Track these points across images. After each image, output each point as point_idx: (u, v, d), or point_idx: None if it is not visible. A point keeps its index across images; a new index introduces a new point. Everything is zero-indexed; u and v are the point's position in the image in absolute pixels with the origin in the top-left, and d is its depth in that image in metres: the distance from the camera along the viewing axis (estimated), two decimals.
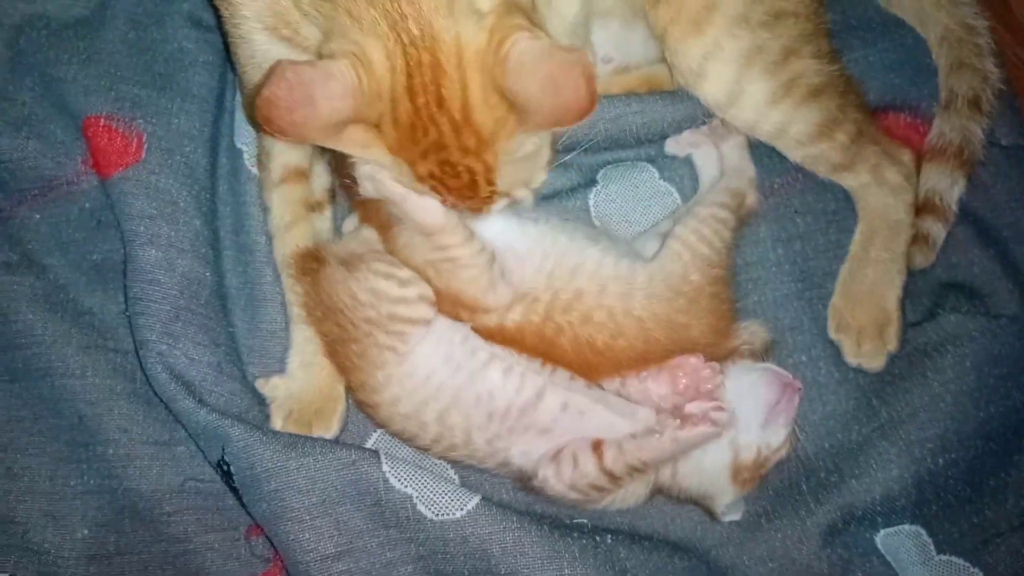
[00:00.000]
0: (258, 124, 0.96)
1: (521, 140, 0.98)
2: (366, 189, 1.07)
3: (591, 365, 1.14)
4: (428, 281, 1.14)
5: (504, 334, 1.14)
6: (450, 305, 1.14)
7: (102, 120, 1.30)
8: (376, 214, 1.18)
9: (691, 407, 1.11)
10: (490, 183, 1.00)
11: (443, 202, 1.03)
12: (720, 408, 1.11)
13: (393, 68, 0.92)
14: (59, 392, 1.25)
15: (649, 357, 1.14)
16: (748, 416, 1.15)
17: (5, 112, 1.34)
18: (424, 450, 1.18)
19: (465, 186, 1.00)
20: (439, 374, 1.12)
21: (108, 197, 1.30)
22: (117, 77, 1.34)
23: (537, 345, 1.14)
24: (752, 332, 1.21)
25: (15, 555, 1.19)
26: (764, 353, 1.21)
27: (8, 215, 1.33)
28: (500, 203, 1.04)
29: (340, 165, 1.24)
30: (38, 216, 1.33)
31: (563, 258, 1.16)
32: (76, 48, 1.37)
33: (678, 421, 1.11)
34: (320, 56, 0.98)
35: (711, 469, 1.15)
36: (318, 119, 0.92)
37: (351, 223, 1.29)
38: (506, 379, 1.12)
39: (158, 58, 1.37)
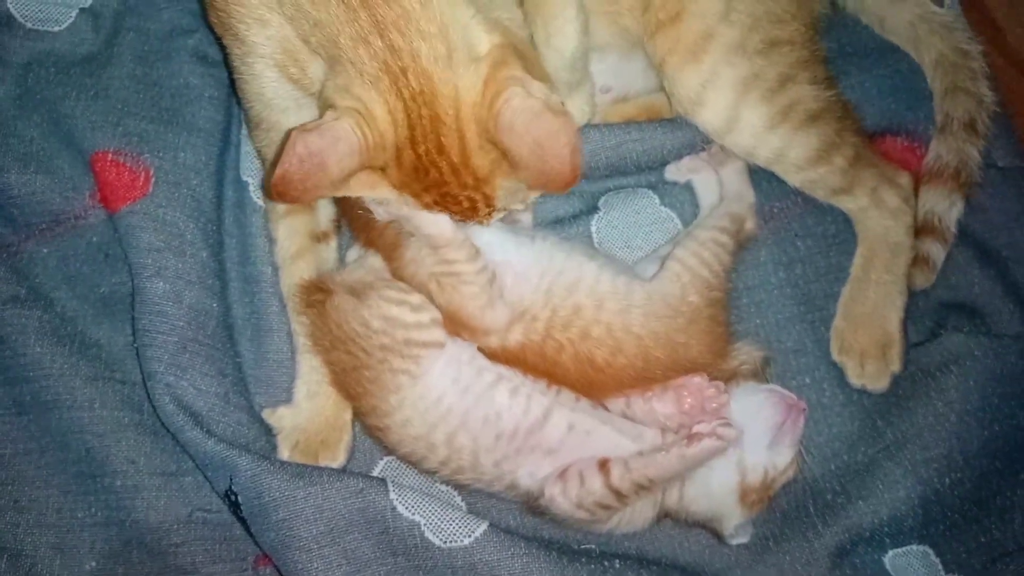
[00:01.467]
0: (272, 195, 1.01)
1: (507, 191, 1.04)
2: (379, 213, 1.11)
3: (593, 383, 1.15)
4: (431, 298, 1.16)
5: (507, 354, 1.16)
6: (451, 326, 1.16)
7: (110, 155, 1.32)
8: (380, 239, 1.20)
9: (699, 427, 1.12)
10: (489, 206, 1.05)
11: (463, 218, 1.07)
12: (727, 424, 1.11)
13: (395, 122, 0.97)
14: (67, 424, 1.25)
15: (650, 376, 1.15)
16: (754, 437, 1.15)
17: (14, 148, 1.36)
18: (431, 473, 1.18)
19: (466, 210, 1.04)
20: (449, 396, 1.13)
21: (116, 231, 1.31)
22: (124, 112, 1.36)
23: (539, 364, 1.15)
24: (747, 353, 1.22)
25: None
26: (763, 372, 1.22)
27: (16, 249, 1.34)
28: (500, 215, 1.09)
29: (344, 199, 1.26)
30: (46, 250, 1.34)
31: (560, 275, 1.17)
32: (84, 84, 1.39)
33: (685, 440, 1.11)
34: (321, 98, 1.02)
35: (719, 491, 1.16)
36: (329, 179, 0.98)
37: (355, 252, 1.30)
38: (513, 400, 1.13)
39: (165, 93, 1.39)
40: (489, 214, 1.06)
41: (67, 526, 1.23)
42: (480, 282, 1.14)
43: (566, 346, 1.14)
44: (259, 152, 1.30)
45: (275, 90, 1.12)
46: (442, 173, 1.00)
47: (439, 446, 1.14)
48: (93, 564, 1.22)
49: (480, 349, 1.16)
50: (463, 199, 1.03)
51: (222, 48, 1.18)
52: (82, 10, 1.45)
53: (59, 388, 1.26)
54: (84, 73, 1.40)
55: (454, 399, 1.13)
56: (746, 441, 1.14)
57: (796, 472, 1.18)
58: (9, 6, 1.41)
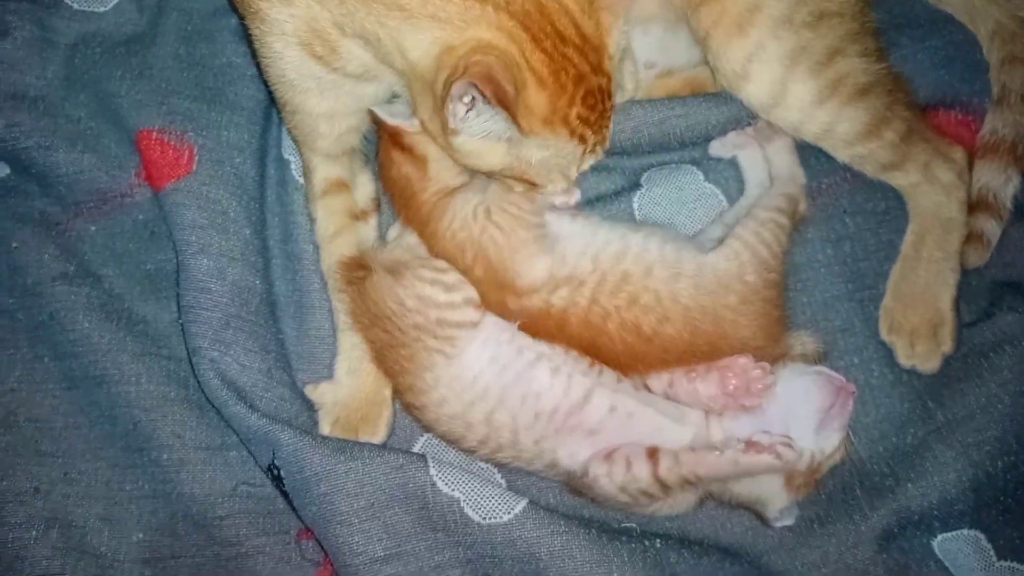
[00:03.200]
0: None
1: (615, 39, 1.06)
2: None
3: (637, 355, 1.14)
4: (471, 263, 1.15)
5: (550, 320, 1.14)
6: (495, 289, 1.15)
7: (154, 133, 1.33)
8: (418, 213, 1.20)
9: (760, 436, 1.10)
10: (610, 97, 1.07)
11: (585, 152, 1.08)
12: (788, 444, 1.09)
13: (511, 35, 0.98)
14: (114, 399, 1.27)
15: (696, 351, 1.13)
16: (801, 421, 1.13)
17: (62, 128, 1.38)
18: (470, 452, 1.18)
19: (601, 114, 1.06)
20: (486, 375, 1.13)
21: (160, 208, 1.33)
22: (168, 92, 1.37)
23: (583, 333, 1.14)
24: (803, 342, 1.20)
25: (74, 558, 1.21)
26: (816, 360, 1.19)
27: (65, 227, 1.36)
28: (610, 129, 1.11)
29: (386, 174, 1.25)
30: (94, 228, 1.37)
31: (607, 244, 1.17)
32: (129, 64, 1.41)
33: (742, 444, 1.10)
34: (363, 75, 1.05)
35: (764, 475, 1.13)
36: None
37: (395, 231, 1.31)
38: (554, 379, 1.13)
39: (208, 72, 1.40)
40: (609, 118, 1.08)
41: (115, 498, 1.25)
42: (534, 231, 1.15)
43: (612, 314, 1.13)
44: (290, 133, 1.31)
45: (297, 70, 1.12)
46: (575, 63, 1.01)
47: (477, 425, 1.14)
48: (140, 535, 1.24)
49: (522, 325, 1.15)
50: (597, 94, 1.04)
51: (245, 29, 1.18)
52: None
53: (107, 363, 1.28)
54: (129, 53, 1.42)
55: (492, 378, 1.13)
56: (792, 424, 1.12)
57: (844, 456, 1.15)
58: None
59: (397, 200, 1.25)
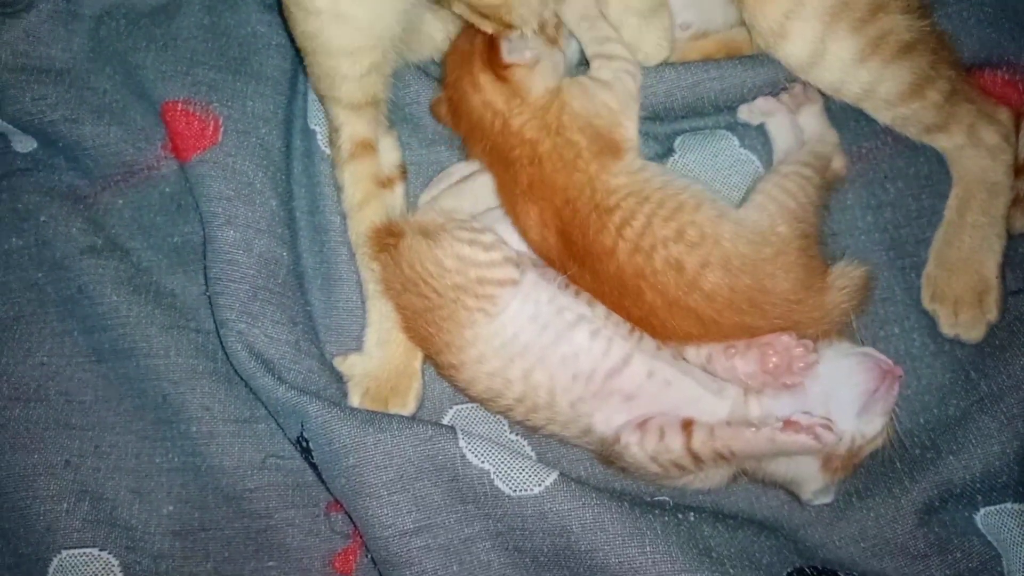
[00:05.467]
0: None
1: None
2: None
3: (677, 301, 1.11)
4: (584, 127, 1.17)
5: (602, 256, 1.13)
6: (596, 156, 1.16)
7: (180, 105, 1.32)
8: (505, 132, 1.20)
9: (800, 416, 1.07)
10: None
11: None
12: (828, 426, 1.06)
13: None
14: (143, 372, 1.27)
15: (735, 307, 1.10)
16: (843, 403, 1.10)
17: (88, 100, 1.38)
18: (506, 411, 1.17)
19: None
20: (526, 332, 1.12)
21: (187, 180, 1.32)
22: (193, 62, 1.36)
23: (631, 263, 1.11)
24: (846, 276, 1.15)
25: (104, 530, 1.22)
26: (863, 295, 1.15)
27: (93, 200, 1.36)
28: None
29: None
30: (121, 201, 1.36)
31: (672, 176, 1.19)
32: (153, 35, 1.40)
33: (780, 423, 1.07)
34: None
35: (800, 456, 1.11)
36: None
37: (427, 196, 1.30)
38: (593, 342, 1.12)
39: (232, 42, 1.39)
40: None
41: (145, 471, 1.25)
42: (636, 77, 1.22)
43: (658, 247, 1.10)
44: (314, 88, 1.30)
45: None
46: None
47: (515, 382, 1.13)
48: (171, 508, 1.24)
49: (573, 278, 1.16)
50: None
51: None
52: None
53: (136, 336, 1.28)
54: (153, 24, 1.41)
55: (532, 336, 1.12)
56: (834, 406, 1.09)
57: (886, 440, 1.12)
58: None
59: (474, 130, 1.24)
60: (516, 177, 1.19)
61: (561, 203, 1.16)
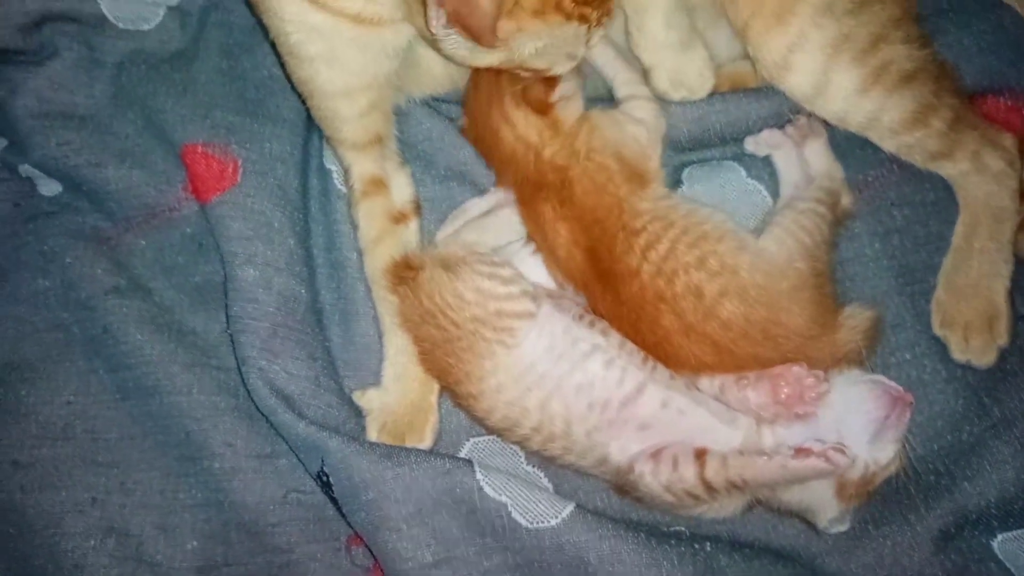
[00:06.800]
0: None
1: None
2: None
3: (694, 327, 1.12)
4: (616, 154, 1.20)
5: (626, 279, 1.15)
6: (626, 182, 1.19)
7: (199, 147, 1.35)
8: (540, 166, 1.23)
9: (812, 443, 1.08)
10: None
11: (591, 29, 1.08)
12: (841, 450, 1.07)
13: None
14: (167, 409, 1.29)
15: (750, 338, 1.12)
16: (855, 431, 1.10)
17: (110, 145, 1.41)
18: (522, 442, 1.18)
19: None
20: (543, 362, 1.14)
21: (207, 221, 1.34)
22: (212, 106, 1.39)
23: (653, 285, 1.13)
24: (857, 317, 1.17)
25: (131, 566, 1.23)
26: (873, 336, 1.17)
27: (116, 242, 1.39)
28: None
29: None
30: (143, 242, 1.39)
31: (697, 205, 1.21)
32: (173, 80, 1.43)
33: (792, 450, 1.08)
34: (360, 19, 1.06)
35: (814, 484, 1.11)
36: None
37: (445, 232, 1.32)
38: (607, 371, 1.13)
39: (249, 86, 1.42)
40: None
41: (169, 507, 1.27)
42: (656, 112, 1.26)
43: (681, 273, 1.13)
44: (321, 131, 1.32)
45: (298, 24, 1.13)
46: None
47: (532, 411, 1.14)
48: (195, 544, 1.25)
49: (593, 300, 1.18)
50: None
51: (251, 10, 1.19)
52: (170, 9, 1.49)
53: (159, 374, 1.30)
54: (173, 69, 1.45)
55: (548, 366, 1.14)
56: (846, 434, 1.10)
57: (899, 467, 1.12)
58: (103, 8, 1.46)
59: (505, 163, 1.26)
60: (547, 199, 1.21)
61: (590, 222, 1.18)
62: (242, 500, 1.26)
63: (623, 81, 1.29)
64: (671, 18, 1.23)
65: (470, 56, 1.08)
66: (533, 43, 1.05)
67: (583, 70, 1.28)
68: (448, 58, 1.11)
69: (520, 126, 1.24)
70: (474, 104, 1.30)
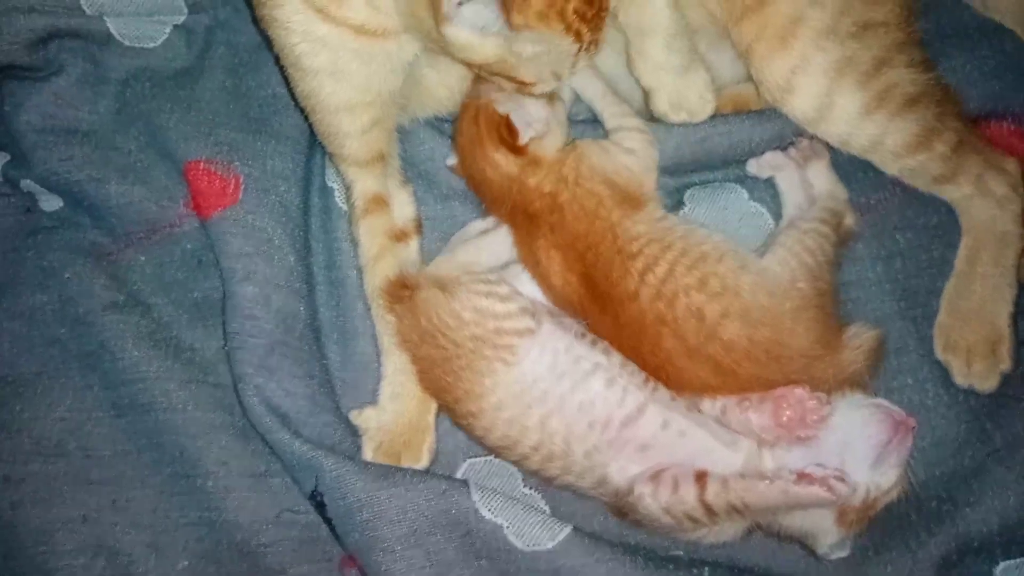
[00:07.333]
0: None
1: None
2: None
3: (696, 350, 1.12)
4: (606, 180, 1.20)
5: (624, 300, 1.14)
6: (619, 205, 1.19)
7: (202, 164, 1.35)
8: (525, 199, 1.23)
9: (813, 468, 1.07)
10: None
11: (580, 51, 1.08)
12: (842, 479, 1.06)
13: None
14: (162, 426, 1.28)
15: (754, 359, 1.11)
16: (857, 455, 1.09)
17: (113, 160, 1.41)
18: (521, 461, 1.17)
19: (598, 11, 1.05)
20: (544, 380, 1.13)
21: (208, 237, 1.34)
22: (216, 123, 1.40)
23: (653, 308, 1.13)
24: (861, 337, 1.16)
25: None
26: (876, 358, 1.16)
27: (116, 257, 1.38)
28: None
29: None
30: (143, 257, 1.38)
31: (695, 226, 1.21)
32: (177, 97, 1.43)
33: (794, 475, 1.07)
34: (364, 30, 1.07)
35: (815, 509, 1.10)
36: None
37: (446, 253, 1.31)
38: (608, 390, 1.12)
39: (253, 104, 1.42)
40: (603, 18, 1.08)
41: (162, 526, 1.25)
42: (647, 139, 1.26)
43: (681, 295, 1.12)
44: (324, 147, 1.32)
45: (303, 35, 1.13)
46: None
47: (532, 429, 1.13)
48: (185, 563, 1.24)
49: (592, 324, 1.18)
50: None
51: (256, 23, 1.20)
52: (176, 27, 1.49)
53: (155, 391, 1.29)
54: (177, 86, 1.45)
55: (549, 384, 1.13)
56: (848, 458, 1.09)
57: (901, 492, 1.11)
58: (109, 26, 1.46)
59: (496, 198, 1.27)
60: (538, 226, 1.21)
61: (584, 248, 1.17)
62: (235, 519, 1.25)
63: (612, 113, 1.30)
64: (672, 41, 1.23)
65: (472, 47, 1.07)
66: (532, 46, 1.06)
67: (563, 98, 1.29)
68: (450, 55, 1.10)
69: (503, 166, 1.24)
70: (460, 144, 1.30)
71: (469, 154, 1.27)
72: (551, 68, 1.11)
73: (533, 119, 1.22)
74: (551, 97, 1.24)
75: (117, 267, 1.38)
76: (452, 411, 1.22)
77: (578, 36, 1.05)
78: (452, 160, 1.34)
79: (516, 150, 1.22)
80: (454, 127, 1.32)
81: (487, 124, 1.24)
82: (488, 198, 1.29)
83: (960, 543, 1.16)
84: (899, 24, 1.21)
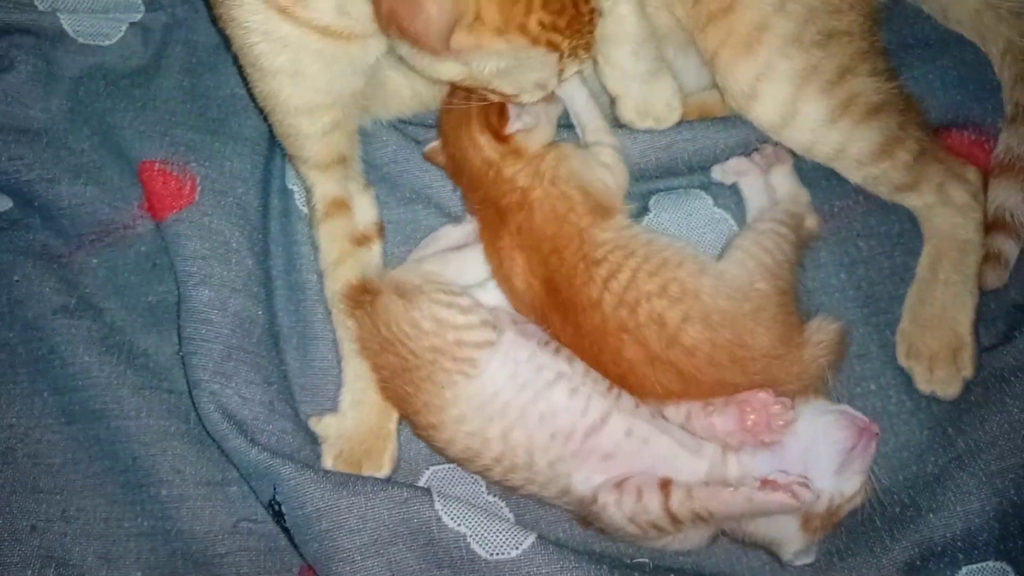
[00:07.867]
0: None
1: None
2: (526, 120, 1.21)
3: (658, 356, 1.11)
4: (581, 187, 1.19)
5: (588, 307, 1.14)
6: (589, 213, 1.18)
7: (157, 164, 1.33)
8: (501, 189, 1.22)
9: (777, 475, 1.07)
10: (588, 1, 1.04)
11: (563, 59, 1.06)
12: (806, 485, 1.06)
13: None
14: (114, 433, 1.25)
15: (716, 363, 1.10)
16: (821, 461, 1.09)
17: (65, 160, 1.38)
18: (484, 472, 1.16)
19: (573, 17, 1.03)
20: (506, 391, 1.12)
21: (162, 239, 1.32)
22: (172, 123, 1.37)
23: (615, 316, 1.12)
24: (822, 331, 1.16)
25: None
26: (839, 352, 1.16)
27: (67, 260, 1.35)
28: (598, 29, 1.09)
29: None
30: (95, 260, 1.35)
31: (656, 234, 1.22)
32: (132, 96, 1.41)
33: (759, 482, 1.07)
34: (329, 32, 1.05)
35: (779, 516, 1.10)
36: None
37: (415, 256, 1.30)
38: (571, 400, 1.11)
39: (211, 104, 1.40)
40: (592, 20, 1.06)
41: (114, 536, 1.22)
42: (617, 153, 1.26)
43: (643, 302, 1.11)
44: (283, 148, 1.30)
45: (264, 34, 1.11)
46: None
47: (493, 441, 1.12)
48: (139, 574, 1.21)
49: (553, 331, 1.16)
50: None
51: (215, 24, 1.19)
52: (132, 24, 1.47)
53: (107, 397, 1.26)
54: (133, 85, 1.42)
55: (511, 395, 1.12)
56: (812, 464, 1.09)
57: (865, 499, 1.11)
58: (62, 22, 1.44)
59: (472, 182, 1.25)
60: (506, 223, 1.20)
61: (549, 251, 1.16)
62: (190, 529, 1.22)
63: (593, 129, 1.29)
64: (640, 49, 1.23)
65: (428, 67, 1.06)
66: (495, 62, 1.04)
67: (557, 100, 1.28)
68: (412, 68, 1.09)
69: (485, 149, 1.23)
70: (446, 124, 1.28)
71: (454, 132, 1.26)
72: (532, 79, 1.10)
73: (525, 111, 1.21)
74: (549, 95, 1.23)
75: (68, 270, 1.35)
76: (413, 422, 1.20)
77: (553, 46, 1.04)
78: (431, 145, 1.32)
79: (501, 137, 1.21)
80: (442, 105, 1.30)
81: (477, 105, 1.22)
82: (464, 181, 1.27)
83: (924, 548, 1.16)
84: (863, 34, 1.22)
